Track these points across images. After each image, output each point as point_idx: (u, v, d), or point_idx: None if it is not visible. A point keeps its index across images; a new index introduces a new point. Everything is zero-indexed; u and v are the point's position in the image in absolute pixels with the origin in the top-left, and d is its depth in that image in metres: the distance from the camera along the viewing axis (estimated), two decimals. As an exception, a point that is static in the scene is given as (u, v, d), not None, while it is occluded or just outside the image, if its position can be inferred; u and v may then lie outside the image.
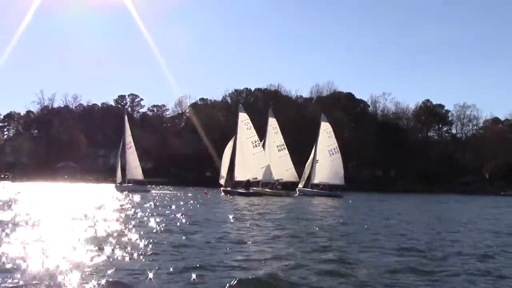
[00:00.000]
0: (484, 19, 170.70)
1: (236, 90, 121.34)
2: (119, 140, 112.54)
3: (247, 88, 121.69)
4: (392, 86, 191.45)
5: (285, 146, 55.07)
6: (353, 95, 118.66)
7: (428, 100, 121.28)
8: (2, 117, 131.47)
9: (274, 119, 56.22)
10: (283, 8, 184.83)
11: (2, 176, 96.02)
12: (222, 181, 52.67)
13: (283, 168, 53.66)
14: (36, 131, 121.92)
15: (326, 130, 57.17)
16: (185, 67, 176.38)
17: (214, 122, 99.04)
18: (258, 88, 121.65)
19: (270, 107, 60.85)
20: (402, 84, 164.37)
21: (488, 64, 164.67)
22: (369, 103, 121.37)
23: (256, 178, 50.77)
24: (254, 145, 51.56)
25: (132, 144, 58.00)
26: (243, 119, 52.66)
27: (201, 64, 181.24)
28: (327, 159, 55.85)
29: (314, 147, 57.62)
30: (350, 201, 42.39)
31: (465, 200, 58.14)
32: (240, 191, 48.27)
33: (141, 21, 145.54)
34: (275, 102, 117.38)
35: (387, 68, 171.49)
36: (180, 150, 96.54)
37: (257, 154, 51.16)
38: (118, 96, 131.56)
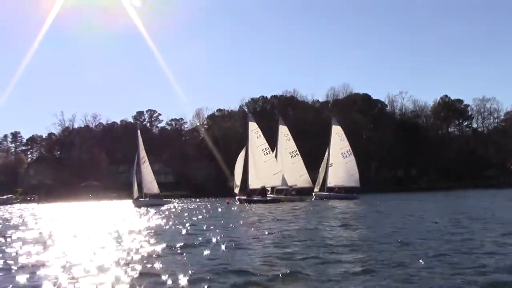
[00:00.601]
0: (498, 11, 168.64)
1: (252, 99, 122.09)
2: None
3: (263, 96, 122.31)
4: (409, 84, 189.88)
5: (298, 153, 55.65)
6: (370, 96, 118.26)
7: (446, 96, 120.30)
8: (25, 140, 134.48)
9: (285, 127, 57.09)
10: (294, 14, 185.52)
11: (28, 198, 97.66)
12: (236, 190, 53.33)
13: (296, 174, 54.21)
14: (58, 152, 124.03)
15: (338, 134, 57.48)
16: (201, 79, 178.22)
17: (232, 132, 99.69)
18: (274, 95, 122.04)
19: (280, 116, 60.98)
20: (419, 82, 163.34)
21: (505, 55, 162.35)
22: (386, 102, 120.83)
23: (269, 186, 51.58)
24: (265, 153, 52.20)
25: (146, 158, 57.72)
26: (253, 128, 53.33)
27: (217, 75, 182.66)
28: (340, 162, 56.23)
29: (327, 151, 58.14)
30: (379, 202, 41.57)
31: (490, 194, 56.89)
32: (256, 198, 48.98)
33: (153, 36, 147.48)
34: (292, 108, 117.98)
35: (403, 67, 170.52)
36: (200, 162, 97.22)
37: (268, 162, 51.77)
38: (137, 113, 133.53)
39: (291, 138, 56.25)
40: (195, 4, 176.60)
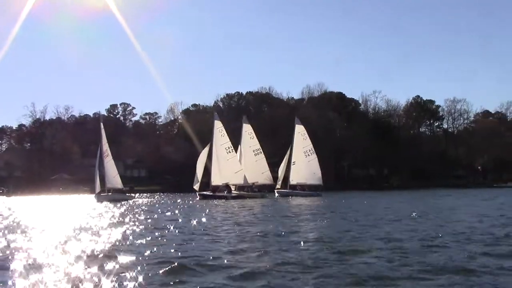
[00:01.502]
0: (469, 13, 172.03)
1: (227, 95, 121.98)
2: (112, 149, 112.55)
3: (238, 92, 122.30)
4: (383, 84, 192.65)
5: (261, 150, 57.00)
6: (344, 94, 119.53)
7: (418, 96, 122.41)
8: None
9: (249, 125, 58.24)
10: (271, 10, 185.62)
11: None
12: (196, 186, 54.27)
13: (258, 171, 55.63)
14: (29, 144, 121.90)
15: (300, 133, 58.39)
16: (176, 74, 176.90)
17: (206, 127, 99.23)
18: (250, 91, 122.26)
19: (244, 115, 62.26)
20: (392, 82, 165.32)
21: (477, 57, 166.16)
22: (360, 101, 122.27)
23: (232, 184, 53.42)
24: (227, 151, 53.96)
25: (109, 152, 56.15)
26: (218, 126, 54.99)
27: (192, 70, 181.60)
28: (303, 161, 57.23)
29: (289, 149, 59.18)
30: (343, 201, 42.54)
31: (460, 193, 58.61)
32: (221, 194, 50.87)
33: (129, 29, 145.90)
34: (267, 104, 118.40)
35: (377, 67, 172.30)
36: (174, 157, 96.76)
37: (230, 160, 53.54)
38: (110, 106, 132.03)
39: (255, 136, 57.53)
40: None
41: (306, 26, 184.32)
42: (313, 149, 57.67)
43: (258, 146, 57.17)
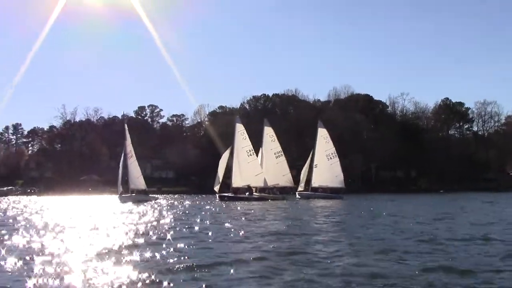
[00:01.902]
0: (501, 14, 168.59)
1: (254, 97, 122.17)
2: (139, 150, 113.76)
3: (264, 94, 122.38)
4: (411, 86, 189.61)
5: (282, 153, 57.45)
6: (371, 96, 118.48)
7: (447, 99, 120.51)
8: (26, 133, 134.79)
9: (270, 128, 58.65)
10: (297, 14, 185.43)
11: (29, 190, 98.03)
12: (217, 188, 54.57)
13: (279, 173, 56.07)
14: (59, 145, 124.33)
15: (323, 136, 58.83)
16: (203, 76, 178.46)
17: (232, 129, 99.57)
18: (276, 93, 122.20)
19: (265, 118, 62.32)
20: (420, 84, 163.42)
21: (508, 59, 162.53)
22: (387, 104, 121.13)
23: (252, 186, 53.48)
24: (248, 154, 54.37)
25: (133, 153, 56.46)
26: (240, 129, 55.56)
27: (219, 72, 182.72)
28: (325, 164, 57.55)
29: (311, 152, 59.40)
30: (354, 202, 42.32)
31: (496, 197, 57.06)
32: (241, 196, 51.30)
33: (156, 33, 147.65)
34: (293, 107, 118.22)
35: (405, 68, 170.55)
36: (200, 158, 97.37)
37: (251, 163, 54.01)
38: (138, 108, 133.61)
39: (276, 139, 57.93)
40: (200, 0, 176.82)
41: (333, 28, 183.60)
42: (335, 152, 57.89)
43: (279, 148, 57.61)
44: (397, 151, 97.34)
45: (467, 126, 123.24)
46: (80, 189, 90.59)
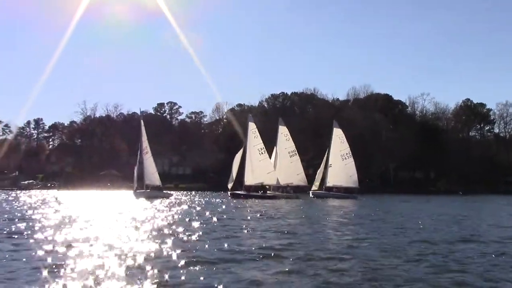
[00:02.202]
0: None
1: (272, 95, 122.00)
2: (158, 147, 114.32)
3: (283, 93, 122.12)
4: (431, 86, 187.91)
5: (296, 152, 58.19)
6: (391, 96, 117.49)
7: (468, 99, 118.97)
8: (47, 128, 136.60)
9: (285, 127, 59.44)
10: (317, 12, 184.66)
11: (49, 184, 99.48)
12: (230, 185, 55.70)
13: (293, 172, 56.98)
14: (79, 140, 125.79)
15: (338, 136, 59.21)
16: (222, 74, 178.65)
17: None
18: (295, 92, 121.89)
19: (280, 117, 62.75)
20: (441, 84, 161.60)
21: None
22: (407, 104, 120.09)
23: (265, 184, 54.80)
24: (260, 152, 55.23)
25: (149, 149, 56.64)
26: (252, 128, 56.51)
27: (238, 70, 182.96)
28: (340, 164, 57.97)
29: (326, 152, 59.69)
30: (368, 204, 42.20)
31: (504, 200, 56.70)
32: (254, 194, 52.40)
33: (177, 30, 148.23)
34: (312, 105, 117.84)
35: (426, 68, 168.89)
36: (218, 156, 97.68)
37: (263, 161, 54.90)
38: (157, 104, 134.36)
39: (291, 138, 58.69)
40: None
41: (354, 27, 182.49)
42: (350, 152, 58.35)
43: (293, 148, 58.29)
44: (416, 151, 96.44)
45: (488, 127, 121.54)
46: (100, 184, 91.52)
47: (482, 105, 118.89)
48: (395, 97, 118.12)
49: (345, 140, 58.73)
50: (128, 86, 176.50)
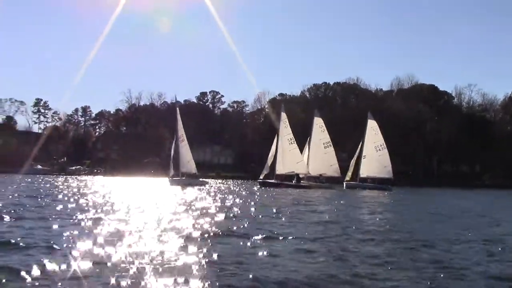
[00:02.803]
0: None
1: (314, 85, 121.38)
2: (200, 135, 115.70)
3: (325, 82, 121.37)
4: (479, 77, 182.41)
5: (331, 144, 59.12)
6: (436, 87, 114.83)
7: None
8: (94, 115, 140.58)
9: (320, 119, 60.41)
10: (359, 1, 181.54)
11: (95, 170, 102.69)
12: (262, 175, 57.15)
13: (327, 163, 58.14)
14: (124, 128, 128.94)
15: (372, 127, 59.74)
16: (265, 63, 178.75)
17: (292, 117, 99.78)
18: (337, 82, 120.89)
19: (316, 108, 64.11)
20: (489, 75, 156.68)
21: None
22: (453, 95, 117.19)
23: (295, 173, 56.08)
24: (290, 142, 56.41)
25: (185, 137, 57.22)
26: (283, 118, 57.74)
27: (280, 59, 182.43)
28: (374, 155, 58.65)
29: (360, 143, 60.47)
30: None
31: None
32: (284, 183, 53.95)
33: (220, 20, 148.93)
34: (355, 95, 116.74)
35: (473, 58, 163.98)
36: (259, 145, 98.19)
37: (292, 151, 56.11)
38: (200, 93, 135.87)
39: (325, 130, 59.57)
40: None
41: (399, 15, 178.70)
42: (384, 144, 58.76)
43: (328, 139, 59.22)
44: (461, 144, 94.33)
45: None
46: (144, 171, 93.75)
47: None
48: (441, 88, 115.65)
49: (379, 131, 59.20)
50: (172, 75, 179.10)
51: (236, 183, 66.65)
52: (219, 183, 66.47)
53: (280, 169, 55.60)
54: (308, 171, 56.77)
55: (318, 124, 59.76)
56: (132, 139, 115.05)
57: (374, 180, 57.37)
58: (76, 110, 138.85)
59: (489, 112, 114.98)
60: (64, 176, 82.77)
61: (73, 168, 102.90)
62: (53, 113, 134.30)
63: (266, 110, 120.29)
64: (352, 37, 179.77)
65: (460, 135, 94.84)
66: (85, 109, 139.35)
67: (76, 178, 77.61)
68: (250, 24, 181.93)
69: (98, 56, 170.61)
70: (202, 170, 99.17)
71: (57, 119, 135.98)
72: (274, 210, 19.97)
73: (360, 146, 60.27)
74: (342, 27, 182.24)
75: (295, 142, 56.82)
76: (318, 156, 58.19)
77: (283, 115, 58.00)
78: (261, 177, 56.80)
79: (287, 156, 55.68)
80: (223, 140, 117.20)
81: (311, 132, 59.83)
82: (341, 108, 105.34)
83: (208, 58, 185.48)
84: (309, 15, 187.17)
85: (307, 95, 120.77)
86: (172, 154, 57.05)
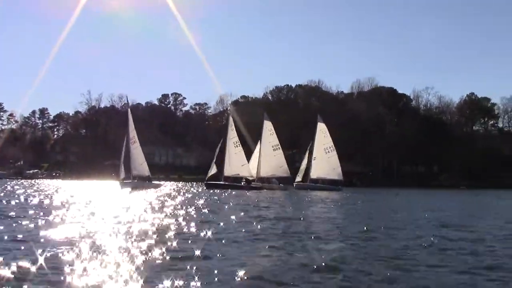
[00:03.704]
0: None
1: (276, 87, 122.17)
2: (163, 138, 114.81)
3: (287, 85, 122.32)
4: (435, 80, 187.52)
5: (279, 146, 60.61)
6: (395, 90, 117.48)
7: (472, 94, 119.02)
8: (52, 117, 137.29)
9: (269, 122, 61.89)
10: (321, 4, 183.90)
11: (54, 174, 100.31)
12: (208, 176, 58.90)
13: (276, 165, 59.65)
14: (84, 130, 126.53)
15: (322, 130, 61.60)
16: (227, 66, 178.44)
17: (254, 119, 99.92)
18: (299, 84, 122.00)
19: (265, 112, 65.24)
20: (445, 78, 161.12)
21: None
22: (411, 97, 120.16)
23: (241, 175, 57.54)
24: (235, 145, 57.94)
25: (136, 139, 54.49)
26: (230, 121, 60.01)
27: (242, 62, 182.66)
28: (323, 157, 60.56)
29: (309, 145, 62.49)
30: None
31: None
32: (237, 184, 55.15)
33: (182, 22, 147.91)
34: (316, 98, 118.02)
35: (430, 62, 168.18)
36: (221, 147, 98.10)
37: (237, 154, 57.61)
38: (162, 95, 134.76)
39: (274, 133, 61.01)
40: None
41: (358, 20, 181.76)
42: (333, 146, 60.64)
43: (277, 142, 60.80)
44: (419, 145, 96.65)
45: (492, 122, 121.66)
46: (104, 174, 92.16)
47: (487, 99, 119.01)
48: (400, 91, 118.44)
49: (328, 134, 61.01)
50: (132, 77, 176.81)
51: (195, 185, 66.02)
52: (179, 186, 65.52)
53: (227, 171, 57.08)
54: (251, 173, 58.13)
55: (267, 127, 61.19)
56: (92, 141, 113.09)
57: (324, 181, 59.36)
58: (34, 112, 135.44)
59: (445, 115, 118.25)
60: (21, 180, 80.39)
61: (31, 171, 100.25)
62: (8, 115, 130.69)
63: (229, 112, 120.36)
64: (314, 40, 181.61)
65: (418, 136, 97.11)
66: (42, 111, 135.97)
67: (32, 182, 75.41)
68: (212, 26, 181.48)
69: (56, 57, 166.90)
70: (165, 173, 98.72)
71: (13, 122, 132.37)
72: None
73: (309, 148, 62.33)
74: (304, 30, 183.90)
75: (240, 145, 58.53)
76: (268, 158, 59.75)
77: (231, 119, 60.38)
78: (207, 178, 58.40)
79: (232, 158, 57.20)
80: (185, 142, 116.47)
81: (261, 136, 61.22)
82: (304, 111, 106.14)
83: (170, 60, 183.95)
84: (272, 18, 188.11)
85: (270, 97, 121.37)
86: (122, 157, 54.39)
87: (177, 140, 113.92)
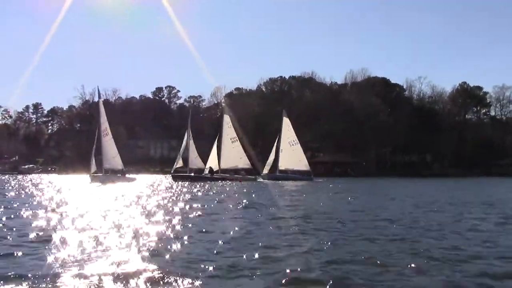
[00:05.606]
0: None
1: (270, 79, 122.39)
2: (157, 131, 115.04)
3: (281, 76, 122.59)
4: (428, 70, 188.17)
5: (237, 139, 62.62)
6: (388, 80, 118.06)
7: (465, 83, 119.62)
8: (46, 112, 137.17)
9: (228, 116, 64.62)
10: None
11: (49, 169, 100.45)
12: (176, 167, 60.58)
13: (236, 157, 61.17)
14: (78, 125, 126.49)
15: (286, 124, 64.47)
16: (220, 58, 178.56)
17: (249, 111, 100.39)
18: (292, 76, 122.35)
19: (227, 105, 69.44)
20: (438, 67, 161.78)
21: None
22: (404, 87, 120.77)
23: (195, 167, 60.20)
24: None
25: (109, 131, 52.91)
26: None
27: (236, 54, 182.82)
28: (288, 149, 63.30)
29: (277, 138, 64.72)
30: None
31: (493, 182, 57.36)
32: (204, 176, 57.31)
33: (174, 14, 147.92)
34: (310, 89, 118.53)
35: (423, 52, 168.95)
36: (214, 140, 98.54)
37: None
38: (156, 88, 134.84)
39: (232, 126, 63.41)
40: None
41: (351, 10, 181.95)
42: (296, 140, 63.67)
43: (234, 135, 62.84)
44: (412, 135, 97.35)
45: (484, 110, 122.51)
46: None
47: (479, 88, 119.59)
48: (393, 81, 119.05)
49: (291, 128, 63.90)
50: (126, 71, 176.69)
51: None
52: (158, 179, 64.17)
53: (191, 164, 59.34)
54: (249, 164, 60.62)
55: (226, 121, 63.27)
56: (86, 136, 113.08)
57: (294, 172, 61.51)
58: (27, 107, 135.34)
59: (438, 104, 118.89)
60: (16, 175, 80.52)
61: (26, 167, 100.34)
62: (2, 110, 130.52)
63: (223, 104, 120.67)
64: (308, 31, 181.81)
65: (411, 126, 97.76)
66: (36, 106, 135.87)
67: (27, 176, 75.63)
68: (206, 18, 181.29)
69: (49, 51, 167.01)
70: (160, 166, 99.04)
71: (7, 117, 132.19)
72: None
73: (277, 141, 64.44)
74: (297, 21, 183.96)
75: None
76: (227, 150, 61.45)
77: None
78: (172, 170, 59.89)
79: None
80: (180, 135, 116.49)
81: (221, 130, 63.13)
82: (297, 102, 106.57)
83: (164, 53, 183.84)
84: (265, 10, 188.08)
85: (263, 89, 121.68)
86: (93, 150, 52.31)
87: (172, 132, 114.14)
